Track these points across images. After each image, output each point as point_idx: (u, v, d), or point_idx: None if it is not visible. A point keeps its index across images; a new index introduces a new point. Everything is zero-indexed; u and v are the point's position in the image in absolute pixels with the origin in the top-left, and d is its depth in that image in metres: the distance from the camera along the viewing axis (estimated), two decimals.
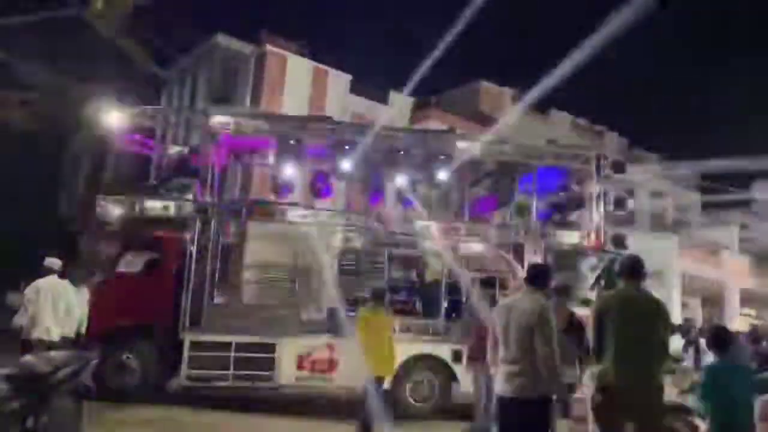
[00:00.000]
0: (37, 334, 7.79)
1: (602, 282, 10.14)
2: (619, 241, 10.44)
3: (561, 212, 11.07)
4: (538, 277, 4.82)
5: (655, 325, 4.45)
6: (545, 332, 4.40)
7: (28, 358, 5.69)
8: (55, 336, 7.84)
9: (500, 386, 4.54)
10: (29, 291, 8.02)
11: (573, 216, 11.01)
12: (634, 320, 4.43)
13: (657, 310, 4.51)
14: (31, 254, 8.88)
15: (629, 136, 32.78)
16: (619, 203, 10.76)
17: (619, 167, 10.64)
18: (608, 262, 9.99)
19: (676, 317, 17.56)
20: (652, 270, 10.92)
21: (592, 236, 10.21)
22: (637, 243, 11.25)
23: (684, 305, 22.56)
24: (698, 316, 22.09)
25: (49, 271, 8.13)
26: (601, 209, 10.45)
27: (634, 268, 4.65)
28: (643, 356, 4.37)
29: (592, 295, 9.68)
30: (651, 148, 32.70)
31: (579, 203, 10.94)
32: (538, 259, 9.81)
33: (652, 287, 10.68)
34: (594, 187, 10.48)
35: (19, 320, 8.01)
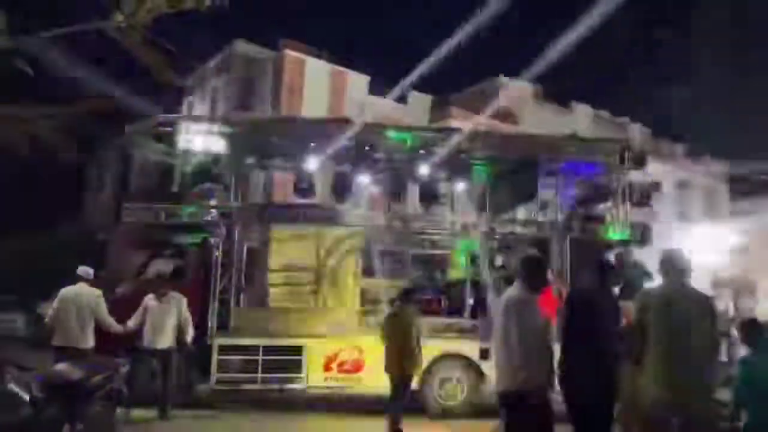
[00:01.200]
0: (61, 341, 7.89)
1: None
2: (646, 233, 10.28)
3: (585, 206, 10.94)
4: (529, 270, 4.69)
5: (704, 325, 4.07)
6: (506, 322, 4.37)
7: (61, 366, 5.81)
8: (82, 343, 7.91)
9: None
10: (56, 300, 8.14)
11: (597, 209, 10.88)
12: (680, 321, 4.04)
13: (705, 309, 4.17)
14: (61, 264, 9.01)
15: (653, 126, 32.31)
16: (644, 196, 10.61)
17: (640, 160, 10.49)
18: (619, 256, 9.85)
19: None
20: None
21: (617, 229, 10.07)
22: (664, 235, 11.08)
23: (714, 297, 22.13)
24: (729, 308, 21.65)
25: (79, 279, 8.23)
26: (626, 202, 10.32)
27: (676, 263, 4.38)
28: (694, 362, 3.95)
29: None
30: (676, 138, 32.18)
31: (603, 196, 10.81)
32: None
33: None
34: (618, 180, 10.35)
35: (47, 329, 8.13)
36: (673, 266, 4.35)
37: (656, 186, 12.11)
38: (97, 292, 8.26)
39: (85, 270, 8.29)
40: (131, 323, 8.42)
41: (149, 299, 8.55)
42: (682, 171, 26.44)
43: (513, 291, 4.57)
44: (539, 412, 4.19)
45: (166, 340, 8.41)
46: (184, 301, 8.65)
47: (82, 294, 8.10)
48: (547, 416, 4.22)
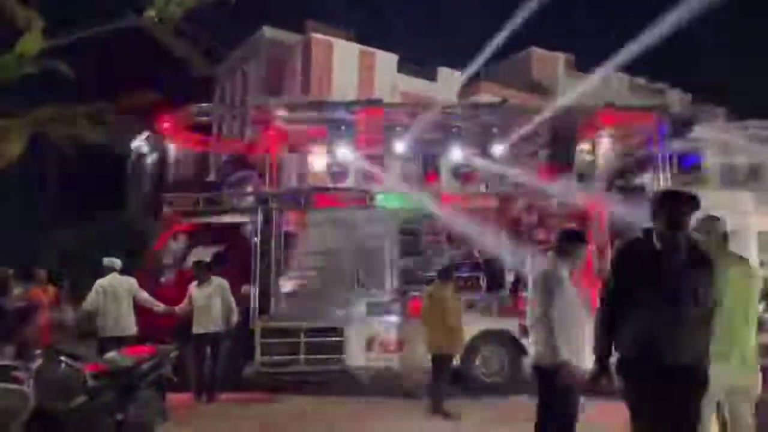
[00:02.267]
0: (105, 332, 8.17)
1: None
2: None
3: (625, 177, 10.69)
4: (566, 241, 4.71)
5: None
6: (538, 298, 4.45)
7: (111, 354, 5.99)
8: (125, 331, 8.17)
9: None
10: (92, 292, 8.41)
11: (638, 180, 10.61)
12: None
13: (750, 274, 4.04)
14: (105, 255, 9.25)
15: (693, 91, 31.26)
16: (687, 163, 10.29)
17: (686, 124, 10.15)
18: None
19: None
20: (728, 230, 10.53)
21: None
22: (709, 202, 10.75)
23: (762, 264, 21.50)
24: None
25: (110, 270, 8.48)
26: (668, 170, 10.03)
27: (717, 227, 4.24)
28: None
29: None
30: (718, 103, 31.07)
31: (644, 167, 10.53)
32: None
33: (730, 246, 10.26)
34: (658, 148, 10.06)
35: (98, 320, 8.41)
36: (714, 230, 4.21)
37: (700, 152, 11.74)
38: (132, 279, 8.51)
39: (110, 261, 8.56)
40: (178, 310, 8.66)
41: (193, 286, 8.74)
42: (725, 135, 25.58)
43: (548, 265, 4.56)
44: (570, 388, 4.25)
45: (213, 325, 8.60)
46: (227, 285, 8.81)
47: (117, 283, 8.35)
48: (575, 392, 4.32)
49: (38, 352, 5.10)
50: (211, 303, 8.63)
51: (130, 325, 8.28)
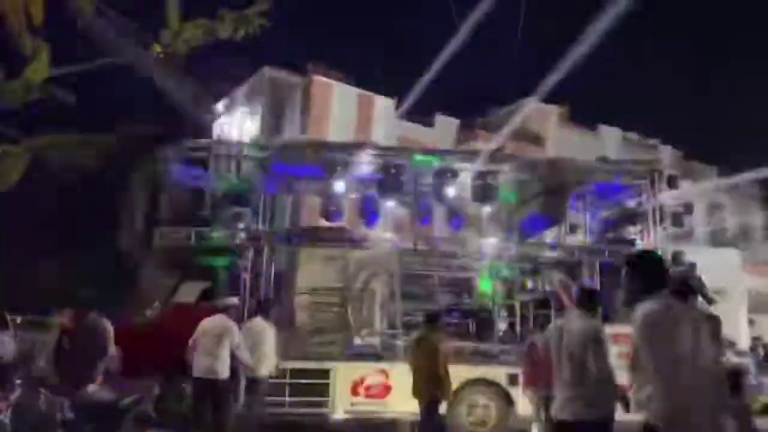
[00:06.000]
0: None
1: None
2: (677, 259, 10.10)
3: (615, 229, 10.81)
4: (587, 298, 4.78)
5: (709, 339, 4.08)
6: (598, 351, 4.32)
7: (92, 387, 5.90)
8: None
9: (557, 411, 4.44)
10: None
11: (628, 233, 10.73)
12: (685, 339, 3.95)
13: (711, 325, 4.17)
14: (97, 284, 9.18)
15: (685, 148, 31.79)
16: (676, 219, 10.44)
17: (673, 182, 10.34)
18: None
19: (744, 336, 16.74)
20: (714, 287, 10.60)
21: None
22: (697, 259, 10.85)
23: (751, 322, 21.51)
24: (766, 334, 21.01)
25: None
26: (658, 225, 10.16)
27: (682, 287, 4.54)
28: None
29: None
30: (709, 160, 31.60)
31: (634, 220, 10.67)
32: (591, 279, 9.59)
33: (718, 304, 10.31)
34: (649, 203, 10.22)
35: None
36: (683, 289, 4.50)
37: (688, 208, 11.88)
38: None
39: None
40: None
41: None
42: (714, 192, 25.92)
43: (581, 320, 4.57)
44: None
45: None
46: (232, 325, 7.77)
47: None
48: None
49: (19, 381, 5.03)
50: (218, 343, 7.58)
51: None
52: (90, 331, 7.00)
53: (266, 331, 8.22)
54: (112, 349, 7.08)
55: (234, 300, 8.30)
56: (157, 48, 1.78)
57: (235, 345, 7.52)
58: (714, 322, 4.24)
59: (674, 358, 3.09)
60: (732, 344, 11.59)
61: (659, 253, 4.04)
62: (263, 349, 8.09)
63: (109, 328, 7.12)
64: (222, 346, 7.44)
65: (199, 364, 7.43)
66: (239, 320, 8.59)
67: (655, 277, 3.35)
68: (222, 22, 2.13)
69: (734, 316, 18.06)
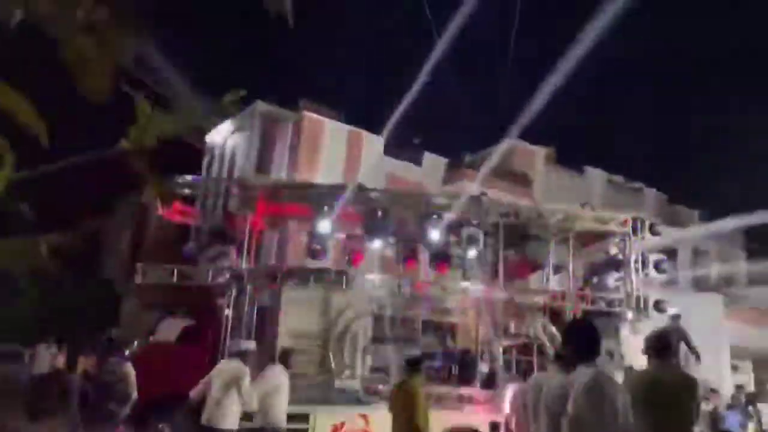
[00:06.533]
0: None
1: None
2: (660, 306, 10.17)
3: (599, 276, 10.89)
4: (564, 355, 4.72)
5: (686, 407, 4.06)
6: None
7: None
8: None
9: None
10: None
11: (611, 280, 10.80)
12: (663, 404, 4.01)
13: (688, 391, 4.17)
14: (81, 319, 9.06)
15: (668, 191, 32.23)
16: (659, 266, 10.54)
17: (654, 231, 10.47)
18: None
19: (727, 382, 16.77)
20: (697, 333, 10.65)
21: (631, 300, 9.98)
22: (680, 305, 10.94)
23: (734, 368, 21.55)
24: (750, 380, 21.03)
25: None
26: (640, 273, 10.26)
27: (659, 346, 4.37)
28: None
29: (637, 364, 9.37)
30: (692, 204, 32.03)
31: (617, 266, 10.75)
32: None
33: (700, 351, 10.32)
34: (631, 251, 10.32)
35: None
36: (657, 349, 4.34)
37: (672, 253, 12.00)
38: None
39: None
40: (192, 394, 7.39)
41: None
42: (698, 237, 26.16)
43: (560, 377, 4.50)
44: None
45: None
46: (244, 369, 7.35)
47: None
48: None
49: None
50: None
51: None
52: (112, 376, 7.01)
53: (283, 383, 7.70)
54: (135, 394, 7.06)
55: (251, 344, 7.98)
56: (125, 144, 1.80)
57: (244, 392, 7.13)
58: (689, 390, 4.17)
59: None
60: (714, 391, 11.59)
61: (591, 322, 4.07)
62: (280, 399, 7.65)
63: (131, 372, 7.07)
64: (229, 393, 7.09)
65: (204, 410, 7.08)
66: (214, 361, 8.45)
67: (587, 345, 3.43)
68: (195, 113, 2.15)
69: (716, 361, 18.14)
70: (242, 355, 7.51)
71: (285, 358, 8.12)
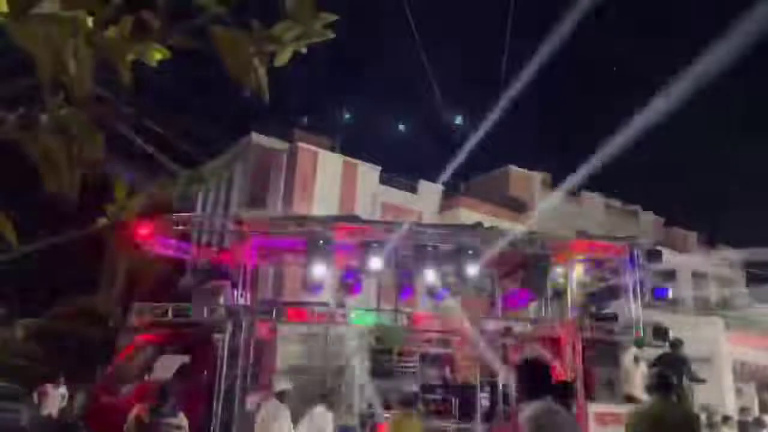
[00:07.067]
0: None
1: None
2: (660, 332, 10.07)
3: (597, 304, 10.80)
4: (561, 390, 4.72)
5: None
6: None
7: None
8: None
9: None
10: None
11: (610, 307, 10.72)
12: None
13: (689, 427, 4.30)
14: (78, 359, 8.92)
15: (666, 215, 32.21)
16: (660, 296, 10.47)
17: (655, 256, 10.41)
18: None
19: (730, 405, 16.54)
20: (699, 356, 10.53)
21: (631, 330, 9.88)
22: (681, 329, 10.84)
23: (738, 391, 21.31)
24: (754, 403, 20.77)
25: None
26: (639, 299, 10.18)
27: (660, 383, 4.51)
28: None
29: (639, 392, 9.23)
30: (690, 227, 31.99)
31: (616, 293, 10.68)
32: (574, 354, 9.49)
33: (702, 374, 10.19)
34: (630, 277, 10.25)
35: None
36: (658, 386, 4.49)
37: (671, 275, 11.95)
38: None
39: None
40: None
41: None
42: (697, 261, 26.11)
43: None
44: None
45: None
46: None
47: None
48: None
49: None
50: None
51: None
52: (165, 427, 6.76)
53: (329, 422, 7.87)
54: None
55: (288, 385, 8.05)
56: (104, 221, 1.77)
57: None
58: (689, 427, 4.22)
59: None
60: (726, 419, 11.41)
61: (543, 361, 4.28)
62: None
63: (185, 424, 6.87)
64: None
65: None
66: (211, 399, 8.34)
67: (538, 383, 3.55)
68: (174, 185, 2.13)
69: (718, 384, 17.94)
70: (280, 395, 7.72)
71: (281, 397, 8.03)
